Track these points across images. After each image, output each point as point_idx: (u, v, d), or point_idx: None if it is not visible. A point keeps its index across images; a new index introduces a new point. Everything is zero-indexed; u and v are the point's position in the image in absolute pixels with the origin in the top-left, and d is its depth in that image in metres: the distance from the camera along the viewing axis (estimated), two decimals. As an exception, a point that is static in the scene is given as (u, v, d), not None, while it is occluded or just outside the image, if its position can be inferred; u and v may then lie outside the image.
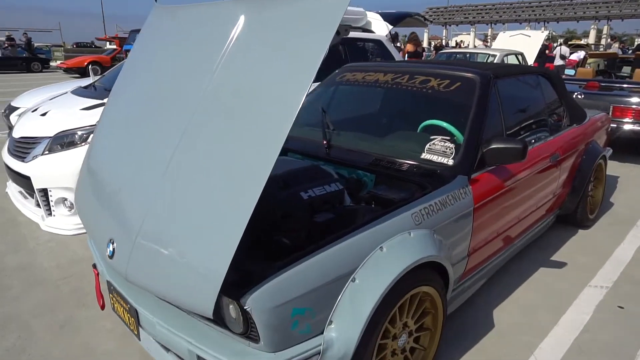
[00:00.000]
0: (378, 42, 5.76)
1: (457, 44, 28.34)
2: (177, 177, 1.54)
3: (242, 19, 1.54)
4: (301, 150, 2.53)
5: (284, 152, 2.59)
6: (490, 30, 34.36)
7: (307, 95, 3.08)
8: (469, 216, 2.05)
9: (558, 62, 12.46)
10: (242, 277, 1.44)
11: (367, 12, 6.02)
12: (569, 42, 18.98)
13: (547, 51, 13.24)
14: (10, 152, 3.78)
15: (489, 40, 24.75)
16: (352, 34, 5.49)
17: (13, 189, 3.98)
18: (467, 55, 10.08)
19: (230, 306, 1.41)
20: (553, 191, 2.99)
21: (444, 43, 30.92)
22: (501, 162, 2.16)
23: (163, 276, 1.47)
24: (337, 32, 1.39)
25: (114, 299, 1.86)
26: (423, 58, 10.19)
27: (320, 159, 2.40)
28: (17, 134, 3.78)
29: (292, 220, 1.80)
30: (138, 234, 1.54)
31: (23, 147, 3.66)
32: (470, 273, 2.28)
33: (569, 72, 11.45)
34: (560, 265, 3.00)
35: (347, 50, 5.31)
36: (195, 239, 1.43)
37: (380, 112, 2.86)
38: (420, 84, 2.53)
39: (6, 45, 22.12)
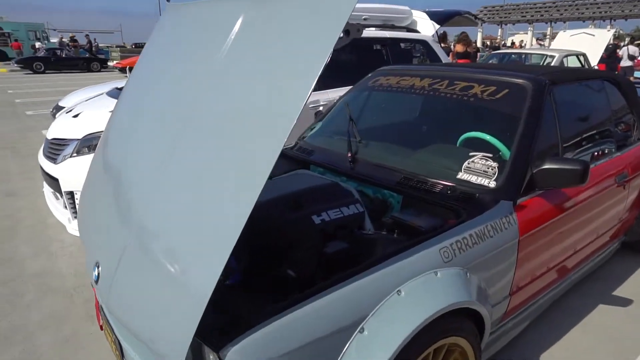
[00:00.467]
0: (423, 43, 5.41)
1: (513, 44, 26.91)
2: (167, 189, 1.34)
3: (242, 16, 1.33)
4: (324, 162, 2.29)
5: (306, 165, 2.36)
6: (549, 29, 32.42)
7: (338, 100, 2.84)
8: (512, 250, 1.73)
9: (626, 63, 11.42)
10: (228, 321, 1.23)
11: (413, 11, 5.68)
12: (636, 42, 17.34)
13: (618, 51, 12.11)
14: (44, 153, 3.81)
15: (547, 40, 22.97)
16: (395, 34, 5.19)
17: (47, 189, 4.02)
18: (523, 57, 9.43)
19: (211, 356, 1.19)
20: (619, 216, 2.57)
21: (501, 43, 29.53)
22: (555, 185, 1.81)
23: (139, 309, 1.30)
24: (347, 32, 1.15)
25: (105, 324, 1.71)
26: (477, 59, 9.58)
27: (343, 174, 2.14)
28: (50, 135, 3.79)
29: (299, 249, 1.56)
30: (121, 257, 1.37)
31: (54, 149, 3.66)
32: (512, 313, 1.94)
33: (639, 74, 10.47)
34: (626, 302, 2.57)
35: (389, 51, 5.01)
36: (178, 259, 1.23)
37: (414, 122, 2.56)
38: (461, 91, 2.21)
39: (70, 46, 23.49)
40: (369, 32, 5.01)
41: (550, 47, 11.84)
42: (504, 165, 1.85)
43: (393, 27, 5.38)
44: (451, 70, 2.50)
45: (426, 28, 5.69)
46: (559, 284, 2.25)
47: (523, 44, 25.82)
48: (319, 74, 1.01)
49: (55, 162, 3.55)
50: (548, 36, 26.59)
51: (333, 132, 2.58)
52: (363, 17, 5.07)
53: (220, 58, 1.30)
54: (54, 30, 37.16)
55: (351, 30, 1.15)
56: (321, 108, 3.91)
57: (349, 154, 2.20)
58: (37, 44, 26.07)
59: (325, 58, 1.01)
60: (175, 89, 1.49)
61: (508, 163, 1.85)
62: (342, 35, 1.16)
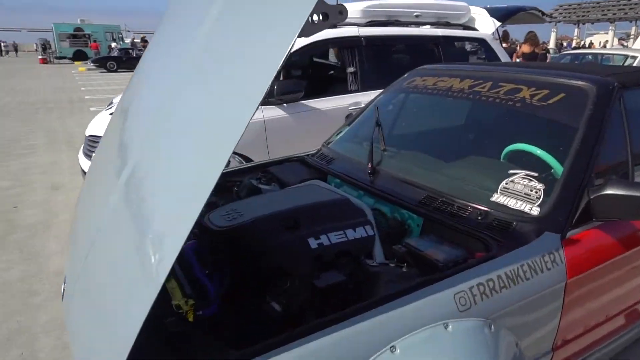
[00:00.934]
0: (481, 42, 4.96)
1: (591, 44, 24.81)
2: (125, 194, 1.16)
3: (215, 7, 1.11)
4: (341, 173, 2.03)
5: (324, 175, 2.11)
6: (634, 28, 29.58)
7: (370, 103, 2.56)
8: (557, 294, 1.38)
9: None
10: None
11: (471, 7, 5.24)
12: None
13: None
14: (83, 150, 3.86)
15: (630, 40, 20.66)
16: (450, 32, 4.80)
17: (87, 185, 4.09)
18: (600, 58, 8.53)
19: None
20: None
21: (581, 43, 27.42)
22: (619, 216, 1.43)
23: (81, 331, 1.13)
24: (326, 16, 0.89)
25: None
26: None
27: (360, 188, 1.88)
28: (88, 131, 3.84)
29: (287, 278, 1.32)
30: (80, 274, 1.22)
31: (91, 146, 3.69)
32: (557, 369, 1.58)
33: None
34: None
35: (441, 51, 4.62)
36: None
37: (448, 131, 2.23)
38: (506, 95, 1.86)
39: (141, 46, 24.90)
40: (420, 30, 4.68)
41: (634, 47, 10.66)
42: (552, 188, 1.49)
43: (448, 25, 4.98)
44: (497, 70, 2.14)
45: (485, 26, 5.23)
46: (624, 333, 1.83)
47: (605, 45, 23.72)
48: (274, 75, 0.77)
49: (90, 159, 3.57)
50: (632, 36, 24.21)
51: (359, 139, 2.31)
52: (415, 14, 4.74)
53: (186, 55, 1.10)
54: (129, 31, 39.61)
55: (330, 13, 0.89)
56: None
57: (370, 165, 1.92)
58: (113, 45, 27.88)
59: (284, 52, 0.76)
60: (151, 85, 1.31)
61: (557, 185, 1.49)
62: (317, 20, 0.90)
